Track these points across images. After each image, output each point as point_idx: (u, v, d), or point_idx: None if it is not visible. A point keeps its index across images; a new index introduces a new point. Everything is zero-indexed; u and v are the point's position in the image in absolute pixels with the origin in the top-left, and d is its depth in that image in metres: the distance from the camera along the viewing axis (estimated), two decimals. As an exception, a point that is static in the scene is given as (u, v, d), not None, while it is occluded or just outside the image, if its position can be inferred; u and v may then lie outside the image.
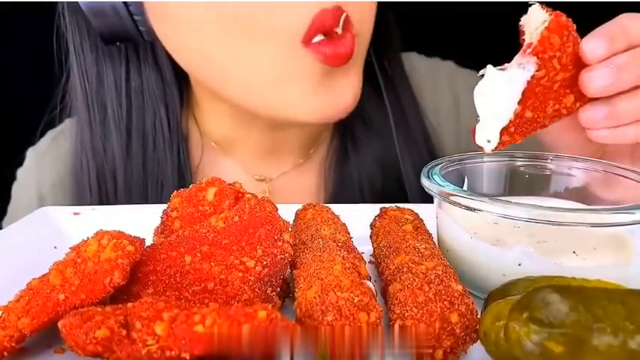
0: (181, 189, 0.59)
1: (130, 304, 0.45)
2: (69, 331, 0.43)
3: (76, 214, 0.75)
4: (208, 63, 0.75)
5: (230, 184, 0.58)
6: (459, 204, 0.54)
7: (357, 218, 0.63)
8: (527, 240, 0.54)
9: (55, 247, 0.66)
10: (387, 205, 0.64)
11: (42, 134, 1.06)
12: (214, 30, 0.70)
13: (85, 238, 0.51)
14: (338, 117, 0.80)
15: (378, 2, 0.81)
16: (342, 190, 0.98)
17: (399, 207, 0.63)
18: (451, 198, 0.55)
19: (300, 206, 0.65)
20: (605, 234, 0.55)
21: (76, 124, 0.95)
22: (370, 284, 0.47)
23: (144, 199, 0.92)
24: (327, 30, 0.71)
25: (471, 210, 0.54)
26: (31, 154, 1.07)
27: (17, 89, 1.35)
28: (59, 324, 0.44)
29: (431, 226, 0.61)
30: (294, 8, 0.68)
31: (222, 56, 0.73)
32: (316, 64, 0.72)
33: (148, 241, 0.54)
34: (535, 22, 0.51)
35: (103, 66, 0.90)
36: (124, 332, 0.43)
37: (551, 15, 0.51)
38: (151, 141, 0.92)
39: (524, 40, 0.53)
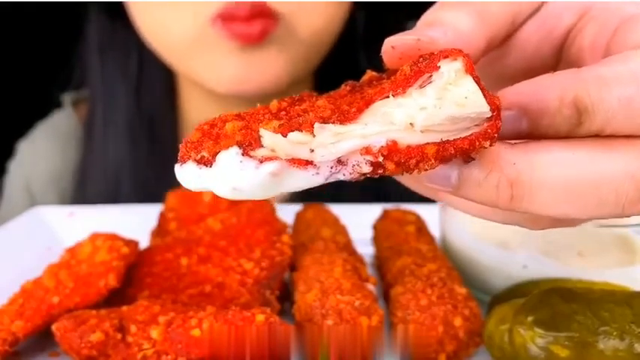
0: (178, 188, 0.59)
1: (125, 308, 0.44)
2: (63, 335, 0.43)
3: (70, 214, 0.74)
4: (138, 18, 0.83)
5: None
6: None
7: (358, 219, 0.62)
8: (533, 241, 0.54)
9: (49, 249, 0.65)
10: (389, 206, 0.63)
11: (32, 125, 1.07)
12: None
13: (80, 240, 0.51)
14: (252, 92, 0.80)
15: None
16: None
17: (401, 208, 0.63)
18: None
19: (299, 207, 0.65)
20: (611, 235, 0.54)
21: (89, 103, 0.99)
22: (372, 287, 0.47)
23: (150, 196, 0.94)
24: (235, 14, 0.73)
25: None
26: (22, 146, 1.07)
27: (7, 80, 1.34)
28: (53, 327, 0.44)
29: (434, 228, 0.60)
30: None
31: (145, 14, 0.81)
32: (224, 40, 0.75)
33: (144, 243, 0.53)
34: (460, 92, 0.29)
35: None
36: (119, 336, 0.42)
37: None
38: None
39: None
